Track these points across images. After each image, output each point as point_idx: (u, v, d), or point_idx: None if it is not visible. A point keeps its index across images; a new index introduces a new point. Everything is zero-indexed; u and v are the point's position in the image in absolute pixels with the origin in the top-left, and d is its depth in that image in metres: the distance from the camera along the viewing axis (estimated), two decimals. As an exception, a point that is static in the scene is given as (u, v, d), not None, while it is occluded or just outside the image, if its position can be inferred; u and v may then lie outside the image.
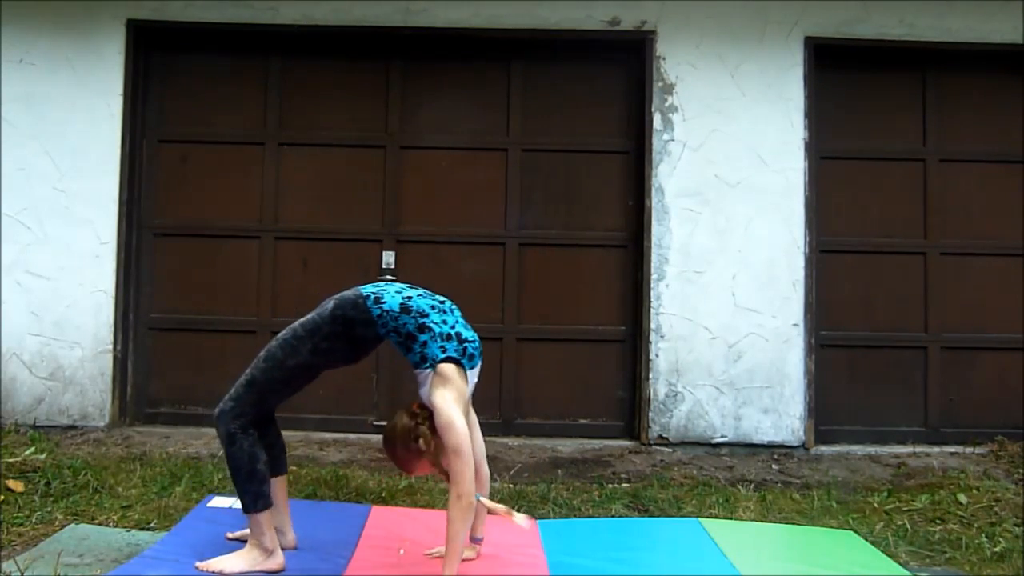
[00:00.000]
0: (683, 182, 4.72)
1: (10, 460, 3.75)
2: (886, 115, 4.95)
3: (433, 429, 2.50)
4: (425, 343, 2.54)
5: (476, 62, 4.97)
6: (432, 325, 2.56)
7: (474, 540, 2.76)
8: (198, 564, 2.63)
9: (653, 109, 4.75)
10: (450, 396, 2.48)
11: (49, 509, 3.25)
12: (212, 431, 4.61)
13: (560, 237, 4.91)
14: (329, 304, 2.62)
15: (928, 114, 4.94)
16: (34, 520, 3.13)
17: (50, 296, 4.65)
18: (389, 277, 4.67)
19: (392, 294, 2.61)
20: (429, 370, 2.54)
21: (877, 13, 4.76)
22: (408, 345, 2.57)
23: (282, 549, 2.70)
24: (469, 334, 2.64)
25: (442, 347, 2.54)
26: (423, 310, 2.58)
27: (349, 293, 2.63)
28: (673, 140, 4.74)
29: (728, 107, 4.73)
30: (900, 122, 4.96)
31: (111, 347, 4.66)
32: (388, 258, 4.85)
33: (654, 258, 4.71)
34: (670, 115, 4.75)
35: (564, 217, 4.93)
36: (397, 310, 2.56)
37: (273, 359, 2.58)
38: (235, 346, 4.84)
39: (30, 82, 4.69)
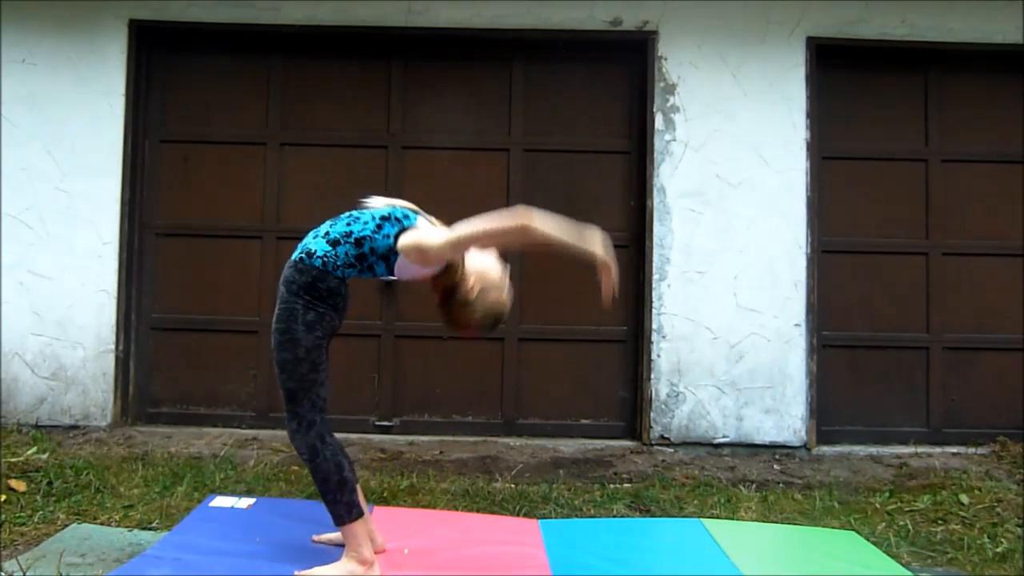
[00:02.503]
0: (685, 182, 4.72)
1: (12, 460, 3.76)
2: (888, 115, 4.95)
3: (455, 278, 2.56)
4: (372, 249, 2.56)
5: (477, 62, 4.97)
6: (361, 233, 2.57)
7: None
8: (297, 574, 2.59)
9: (655, 109, 4.75)
10: (429, 240, 2.49)
11: (51, 509, 3.25)
12: (214, 430, 4.66)
13: (562, 237, 4.90)
14: (281, 289, 2.60)
15: (930, 114, 4.94)
16: (36, 520, 3.13)
17: (52, 296, 4.66)
18: None
19: (313, 241, 2.61)
20: (398, 258, 2.55)
21: (879, 13, 4.76)
22: (366, 265, 2.58)
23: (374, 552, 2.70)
24: (387, 210, 2.63)
25: (384, 235, 2.56)
26: (344, 232, 2.58)
27: (286, 270, 2.63)
28: (675, 140, 4.74)
29: (730, 107, 4.73)
30: (902, 122, 4.96)
31: (113, 347, 4.67)
32: (390, 258, 4.85)
33: (656, 258, 4.71)
34: (672, 115, 4.75)
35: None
36: (330, 248, 2.57)
37: (287, 363, 2.56)
38: (237, 346, 4.86)
39: (32, 82, 4.69)
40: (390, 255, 2.56)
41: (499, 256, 2.68)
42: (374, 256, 2.57)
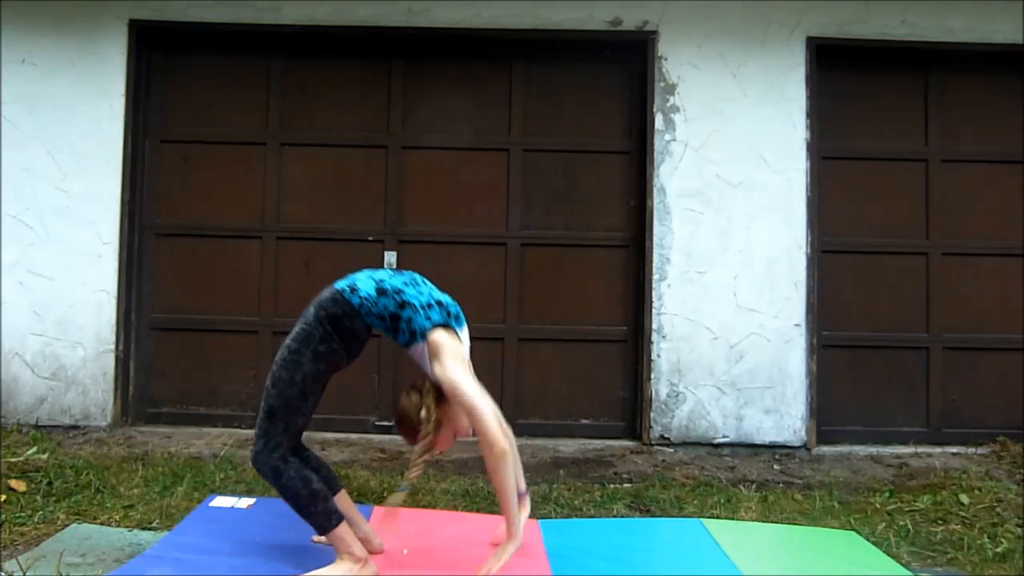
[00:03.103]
0: (685, 182, 4.73)
1: (12, 460, 3.76)
2: (888, 115, 4.95)
3: (439, 399, 2.57)
4: (409, 319, 2.56)
5: (477, 62, 4.97)
6: (410, 299, 2.58)
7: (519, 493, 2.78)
8: None
9: (655, 109, 4.75)
10: (449, 361, 2.51)
11: (51, 509, 3.25)
12: (214, 430, 4.66)
13: (562, 237, 4.91)
14: (311, 310, 2.61)
15: (930, 114, 4.94)
16: (36, 520, 3.13)
17: (52, 296, 4.66)
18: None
19: (364, 279, 2.62)
20: (421, 343, 2.55)
21: (879, 13, 4.76)
22: (394, 326, 2.58)
23: (372, 554, 2.70)
24: (446, 298, 2.68)
25: (427, 317, 2.56)
26: (397, 288, 2.59)
27: (325, 292, 2.63)
28: (675, 140, 4.74)
29: (730, 107, 4.73)
30: (902, 122, 4.96)
31: (113, 347, 4.67)
32: (390, 258, 4.86)
33: (656, 258, 4.71)
34: (672, 115, 4.75)
35: (566, 217, 4.93)
36: (374, 295, 2.57)
37: (281, 381, 2.56)
38: (237, 346, 4.86)
39: (32, 83, 4.70)
40: (418, 334, 2.56)
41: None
42: (405, 325, 2.57)
